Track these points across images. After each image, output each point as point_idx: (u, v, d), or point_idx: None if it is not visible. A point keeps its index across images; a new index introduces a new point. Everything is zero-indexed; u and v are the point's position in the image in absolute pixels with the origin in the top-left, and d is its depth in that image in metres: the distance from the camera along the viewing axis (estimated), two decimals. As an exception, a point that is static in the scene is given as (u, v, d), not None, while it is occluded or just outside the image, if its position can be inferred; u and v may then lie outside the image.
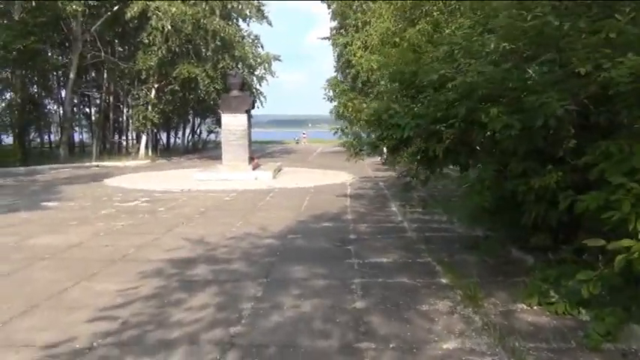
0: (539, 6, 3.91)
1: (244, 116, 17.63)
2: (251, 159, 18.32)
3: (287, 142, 56.51)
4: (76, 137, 35.67)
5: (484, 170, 5.27)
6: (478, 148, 5.94)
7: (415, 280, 5.61)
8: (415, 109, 5.85)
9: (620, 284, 3.92)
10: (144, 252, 7.04)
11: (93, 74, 31.29)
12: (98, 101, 31.81)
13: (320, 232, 8.44)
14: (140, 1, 22.27)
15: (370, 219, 9.66)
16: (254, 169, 17.87)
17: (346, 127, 12.14)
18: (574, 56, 3.83)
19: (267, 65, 37.57)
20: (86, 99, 33.28)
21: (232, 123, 17.64)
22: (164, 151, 35.28)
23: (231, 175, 16.78)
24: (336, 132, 10.96)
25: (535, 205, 4.82)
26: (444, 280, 5.58)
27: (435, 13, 9.20)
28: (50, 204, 11.79)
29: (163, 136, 41.86)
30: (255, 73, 36.89)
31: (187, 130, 41.61)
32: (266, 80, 38.32)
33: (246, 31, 29.85)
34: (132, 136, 33.07)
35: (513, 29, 4.01)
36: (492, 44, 4.51)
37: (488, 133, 5.39)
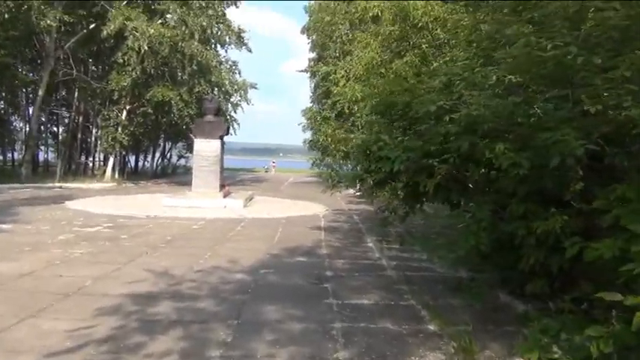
0: (559, 35, 3.61)
1: (218, 142, 17.13)
2: (222, 186, 17.75)
3: (258, 171, 56.03)
4: (42, 156, 34.57)
5: (479, 210, 4.90)
6: (470, 185, 5.59)
7: (400, 325, 5.15)
8: (405, 141, 5.48)
9: (635, 344, 3.53)
10: (102, 284, 6.41)
11: (64, 92, 30.43)
12: (67, 120, 30.86)
13: (294, 268, 7.93)
14: (118, 20, 21.73)
15: (346, 254, 9.20)
16: (225, 196, 17.29)
17: (320, 159, 11.80)
18: (589, 93, 3.52)
19: (243, 92, 37.40)
20: (54, 117, 32.26)
21: (205, 148, 17.10)
22: (132, 175, 34.29)
23: (200, 202, 16.15)
24: (313, 162, 10.58)
25: (535, 250, 4.45)
26: (431, 327, 5.13)
27: (423, 46, 8.99)
28: (4, 226, 10.99)
29: (132, 158, 40.96)
30: (231, 100, 36.62)
31: (157, 154, 40.79)
32: (241, 107, 38.10)
33: (224, 56, 29.59)
34: (99, 158, 32.09)
35: (528, 60, 3.70)
36: (494, 76, 4.20)
37: (483, 170, 5.05)
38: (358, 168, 6.97)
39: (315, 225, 13.12)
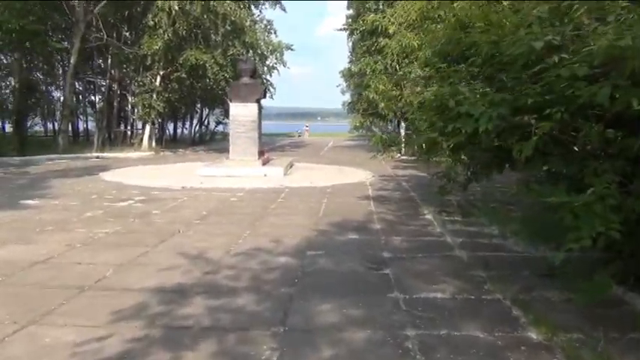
0: None
1: (255, 106, 16.05)
2: (261, 153, 16.76)
3: (294, 135, 55.10)
4: (82, 126, 34.35)
5: (599, 183, 3.65)
6: (576, 149, 4.33)
7: (492, 332, 4.02)
8: (492, 94, 4.23)
9: None
10: (124, 275, 5.49)
11: (100, 60, 29.81)
12: (104, 88, 30.34)
13: (346, 248, 6.86)
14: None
15: (403, 230, 8.06)
16: (264, 164, 16.30)
17: (361, 122, 10.51)
18: None
19: (279, 55, 36.05)
20: (91, 86, 31.82)
21: (241, 113, 16.07)
22: (170, 143, 33.80)
23: (238, 170, 15.22)
24: (355, 126, 9.33)
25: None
26: (533, 335, 3.97)
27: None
28: (31, 202, 10.30)
29: (170, 126, 40.45)
30: (267, 62, 35.37)
31: (195, 121, 40.16)
32: (277, 70, 36.84)
33: (259, 16, 28.19)
34: (136, 126, 31.59)
35: None
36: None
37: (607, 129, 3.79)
38: (423, 129, 5.75)
39: (363, 194, 12.00)
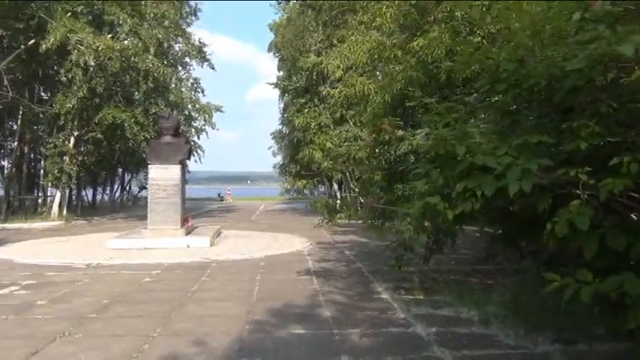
0: None
1: (177, 168, 14.27)
2: (184, 221, 14.84)
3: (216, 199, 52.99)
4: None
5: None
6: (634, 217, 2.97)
7: None
8: (526, 136, 2.83)
9: None
10: None
11: (11, 122, 26.99)
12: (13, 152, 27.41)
13: (291, 350, 5.15)
14: (59, 32, 18.74)
15: (359, 318, 6.45)
16: (187, 233, 14.37)
17: (312, 183, 9.07)
18: None
19: (207, 116, 34.57)
20: (1, 150, 28.72)
21: (162, 177, 14.20)
22: (88, 210, 30.87)
23: (157, 242, 13.23)
24: (304, 187, 7.83)
25: None
26: None
27: (458, 14, 6.41)
28: None
29: (90, 192, 37.45)
30: (194, 124, 33.78)
31: (116, 186, 37.40)
32: (206, 132, 35.21)
33: (185, 74, 26.68)
34: (49, 193, 28.60)
35: None
36: None
37: None
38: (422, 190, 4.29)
39: (303, 267, 10.35)
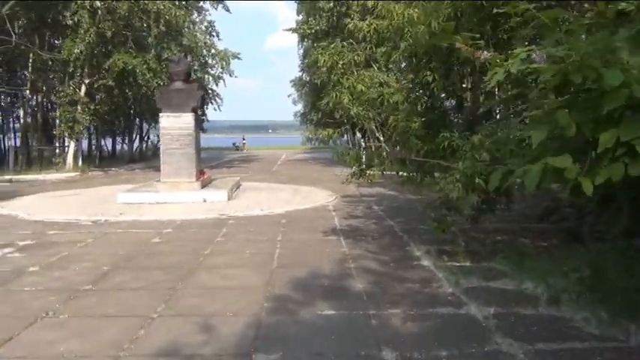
0: None
1: (190, 116, 13.17)
2: (200, 173, 13.87)
3: (247, 148, 52.14)
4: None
5: None
6: None
7: None
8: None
9: None
10: None
11: (26, 70, 26.01)
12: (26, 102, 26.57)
13: (318, 341, 4.15)
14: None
15: (399, 292, 5.40)
16: (204, 186, 13.42)
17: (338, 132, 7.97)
18: None
19: (224, 63, 33.23)
20: (17, 99, 27.91)
21: (174, 125, 13.15)
22: (107, 160, 30.21)
23: (171, 195, 12.31)
24: (330, 137, 6.60)
25: None
26: None
27: None
28: None
29: (109, 142, 36.79)
30: (211, 71, 32.48)
31: (135, 136, 36.61)
32: (223, 80, 33.93)
33: (198, 17, 25.05)
34: (67, 142, 27.84)
35: None
36: None
37: None
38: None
39: (329, 226, 9.33)
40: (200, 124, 14.35)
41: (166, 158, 13.15)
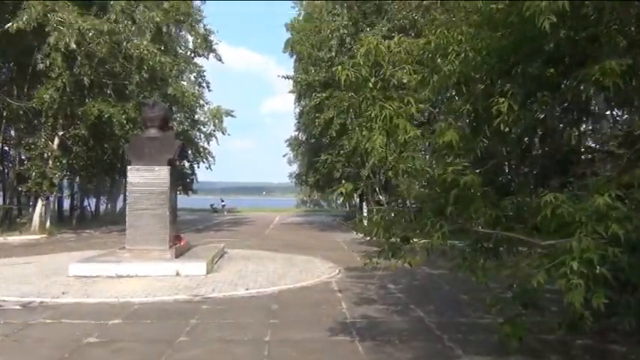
0: None
1: (166, 170, 10.88)
2: (175, 239, 11.46)
3: (238, 211, 49.66)
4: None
5: None
6: None
7: None
8: None
9: None
10: None
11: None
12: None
13: None
14: (35, 9, 15.57)
15: None
16: (178, 255, 10.96)
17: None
18: None
19: (217, 121, 31.66)
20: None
21: (146, 181, 10.84)
22: (87, 221, 27.56)
23: (135, 267, 9.87)
24: (348, 194, 4.29)
25: None
26: None
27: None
28: None
29: (93, 201, 34.29)
30: (203, 128, 30.79)
31: (120, 194, 34.18)
32: (215, 138, 32.14)
33: (186, 67, 23.09)
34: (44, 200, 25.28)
35: None
36: None
37: None
38: None
39: (336, 317, 6.89)
40: (181, 180, 12.05)
41: (133, 221, 10.75)
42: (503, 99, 4.15)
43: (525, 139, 5.43)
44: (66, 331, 6.13)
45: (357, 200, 35.05)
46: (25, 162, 21.25)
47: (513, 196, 4.41)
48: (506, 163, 5.86)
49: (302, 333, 6.09)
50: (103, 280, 9.35)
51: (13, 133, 22.58)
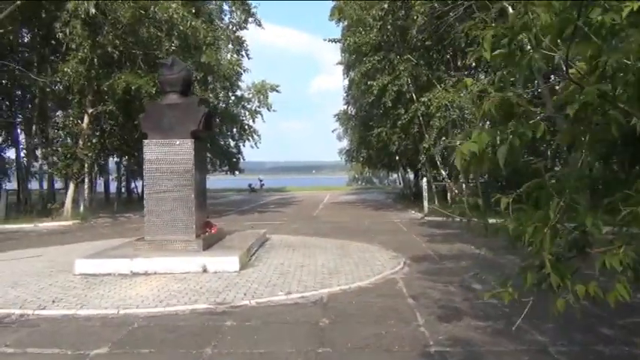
0: None
1: (189, 144, 8.95)
2: (205, 226, 9.57)
3: (287, 190, 48.18)
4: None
5: None
6: None
7: None
8: None
9: None
10: None
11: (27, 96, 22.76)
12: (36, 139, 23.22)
13: None
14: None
15: None
16: (208, 246, 9.04)
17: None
18: None
19: (262, 97, 29.87)
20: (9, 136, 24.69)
21: (166, 157, 8.95)
22: (134, 203, 26.25)
23: (154, 262, 8.00)
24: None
25: None
26: None
27: None
28: None
29: (139, 184, 33.10)
30: (247, 105, 29.06)
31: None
32: (261, 115, 30.37)
33: (223, 31, 21.03)
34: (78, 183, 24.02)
35: None
36: None
37: None
38: None
39: (411, 338, 4.75)
40: (204, 154, 10.05)
41: (152, 206, 8.89)
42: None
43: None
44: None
45: (412, 176, 32.62)
46: (55, 142, 19.99)
47: None
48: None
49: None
50: (113, 280, 7.54)
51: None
